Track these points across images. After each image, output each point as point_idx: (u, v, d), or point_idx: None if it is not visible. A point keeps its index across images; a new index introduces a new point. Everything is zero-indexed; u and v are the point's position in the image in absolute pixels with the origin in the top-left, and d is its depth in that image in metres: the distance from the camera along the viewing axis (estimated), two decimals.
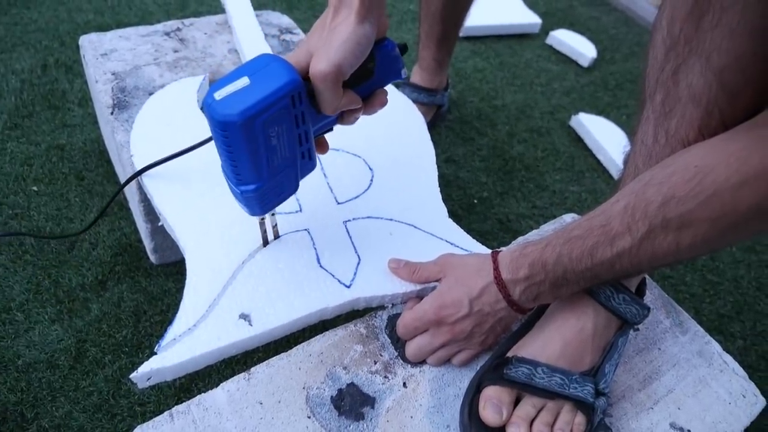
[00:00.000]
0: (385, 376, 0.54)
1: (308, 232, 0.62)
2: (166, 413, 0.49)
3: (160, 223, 0.64)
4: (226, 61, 0.86)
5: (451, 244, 0.65)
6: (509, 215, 1.08)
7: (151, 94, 0.77)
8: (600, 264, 0.48)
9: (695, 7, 0.45)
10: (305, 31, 0.98)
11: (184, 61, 0.84)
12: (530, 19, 1.65)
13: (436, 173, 0.73)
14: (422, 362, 0.56)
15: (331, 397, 0.52)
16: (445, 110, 1.24)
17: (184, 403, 0.50)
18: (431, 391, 0.54)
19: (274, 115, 0.44)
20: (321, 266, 0.59)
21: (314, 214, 0.65)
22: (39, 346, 0.75)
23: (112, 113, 0.74)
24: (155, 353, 0.50)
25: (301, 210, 0.65)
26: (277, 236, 0.61)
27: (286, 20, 0.99)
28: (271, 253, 0.60)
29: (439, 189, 0.71)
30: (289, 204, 0.61)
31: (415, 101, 0.95)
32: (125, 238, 0.90)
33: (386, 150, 0.75)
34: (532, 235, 0.71)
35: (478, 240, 0.66)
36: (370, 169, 0.72)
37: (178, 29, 0.91)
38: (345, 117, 0.53)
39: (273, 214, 0.59)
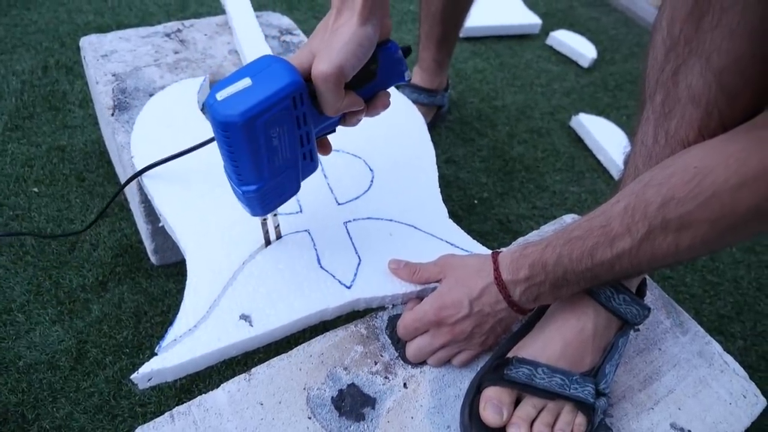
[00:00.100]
0: (386, 377, 0.54)
1: (308, 233, 0.63)
2: (166, 414, 0.49)
3: (160, 224, 0.64)
4: (226, 62, 0.86)
5: (452, 244, 0.65)
6: (509, 216, 1.08)
7: (151, 95, 0.77)
8: (600, 264, 0.48)
9: (695, 7, 0.45)
10: (305, 32, 0.99)
11: (184, 63, 0.84)
12: (530, 19, 1.65)
13: (437, 174, 0.73)
14: (423, 363, 0.56)
15: (332, 397, 0.52)
16: (445, 111, 1.24)
17: (184, 404, 0.50)
18: (432, 392, 0.54)
19: (276, 115, 0.45)
20: (321, 267, 0.59)
21: (315, 215, 0.65)
22: (40, 347, 0.75)
23: (112, 114, 0.74)
24: (156, 354, 0.50)
25: (301, 211, 0.65)
26: (279, 236, 0.61)
27: (286, 21, 0.99)
28: (272, 253, 0.60)
29: (439, 190, 0.72)
30: (289, 205, 0.61)
31: (415, 102, 0.95)
32: (126, 239, 0.90)
33: (386, 151, 0.75)
34: (533, 235, 0.71)
35: (478, 241, 0.66)
36: (371, 169, 0.72)
37: (179, 30, 0.91)
38: (347, 119, 0.53)
39: (275, 215, 0.59)
